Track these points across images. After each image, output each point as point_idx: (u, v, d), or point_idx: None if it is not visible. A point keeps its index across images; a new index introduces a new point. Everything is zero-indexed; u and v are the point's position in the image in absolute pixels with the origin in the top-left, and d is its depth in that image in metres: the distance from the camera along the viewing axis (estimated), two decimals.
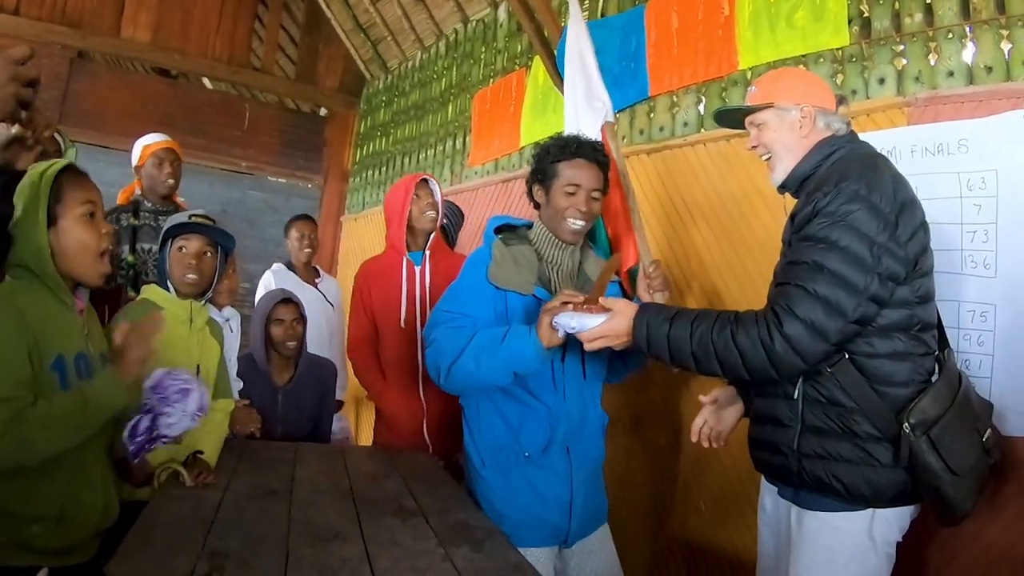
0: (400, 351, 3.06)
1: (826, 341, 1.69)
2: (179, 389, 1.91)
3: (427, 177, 3.11)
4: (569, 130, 2.78)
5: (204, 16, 6.59)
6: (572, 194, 2.23)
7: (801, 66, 2.80)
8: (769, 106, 1.98)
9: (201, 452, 2.21)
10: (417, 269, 3.08)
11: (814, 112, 1.93)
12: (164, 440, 1.89)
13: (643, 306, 1.93)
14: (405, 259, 3.08)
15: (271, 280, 4.33)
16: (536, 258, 2.28)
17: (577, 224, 2.24)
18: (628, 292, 2.61)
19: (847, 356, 1.77)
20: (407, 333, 3.03)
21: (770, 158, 2.01)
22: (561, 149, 2.27)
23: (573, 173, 2.24)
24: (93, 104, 6.07)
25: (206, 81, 7.16)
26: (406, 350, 3.05)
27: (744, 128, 2.08)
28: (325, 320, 4.37)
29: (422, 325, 2.98)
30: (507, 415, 2.27)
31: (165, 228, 2.43)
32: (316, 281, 4.50)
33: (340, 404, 4.32)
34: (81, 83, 6.07)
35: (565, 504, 2.27)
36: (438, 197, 3.11)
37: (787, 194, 2.03)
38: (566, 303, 1.95)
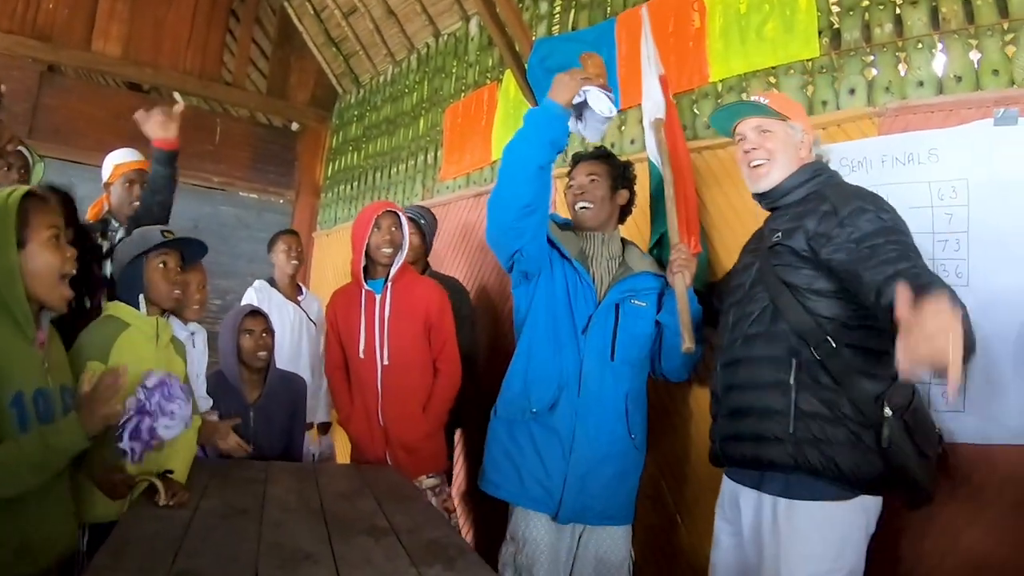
0: (361, 379, 3.10)
1: None
2: (180, 394, 1.97)
3: (395, 209, 3.07)
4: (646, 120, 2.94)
5: (175, 29, 6.50)
6: (570, 187, 2.73)
7: (771, 77, 2.84)
8: (785, 119, 2.16)
9: (171, 471, 2.16)
10: (377, 298, 3.06)
11: (812, 139, 2.17)
12: (160, 443, 1.93)
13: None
14: (364, 290, 3.07)
15: (253, 298, 4.20)
16: (578, 245, 2.65)
17: (579, 203, 2.68)
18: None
19: (834, 346, 1.91)
20: (366, 363, 3.05)
21: (762, 165, 2.16)
22: (572, 164, 2.80)
23: (575, 174, 2.75)
24: (64, 118, 5.96)
25: (177, 95, 7.08)
26: (366, 379, 3.08)
27: (730, 135, 2.27)
28: (308, 339, 4.27)
29: (381, 356, 3.03)
30: (527, 371, 2.58)
31: (146, 246, 2.35)
32: (299, 299, 4.40)
33: (327, 426, 4.26)
34: (51, 97, 5.95)
35: (560, 470, 2.47)
36: (405, 231, 3.07)
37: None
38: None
